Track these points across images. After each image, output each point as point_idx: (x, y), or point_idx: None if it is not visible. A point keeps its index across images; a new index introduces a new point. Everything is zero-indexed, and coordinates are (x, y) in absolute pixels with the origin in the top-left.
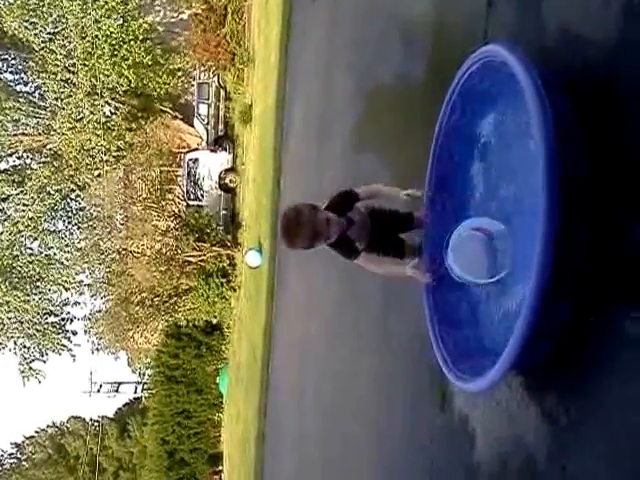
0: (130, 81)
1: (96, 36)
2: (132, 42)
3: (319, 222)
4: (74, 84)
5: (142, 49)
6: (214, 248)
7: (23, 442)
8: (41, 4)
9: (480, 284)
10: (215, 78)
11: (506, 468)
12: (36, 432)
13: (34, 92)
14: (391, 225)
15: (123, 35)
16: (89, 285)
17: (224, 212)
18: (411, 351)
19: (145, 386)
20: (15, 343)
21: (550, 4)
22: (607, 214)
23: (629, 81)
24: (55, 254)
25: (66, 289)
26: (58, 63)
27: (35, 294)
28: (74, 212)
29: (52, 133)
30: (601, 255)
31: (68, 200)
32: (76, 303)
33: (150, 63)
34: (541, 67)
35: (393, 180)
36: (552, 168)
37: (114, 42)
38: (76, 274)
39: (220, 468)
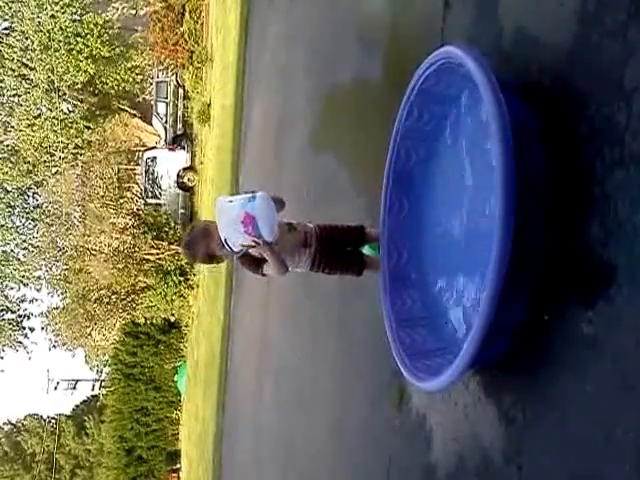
0: (88, 73)
1: (52, 29)
2: (88, 36)
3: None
4: (32, 80)
5: (98, 42)
6: (172, 246)
7: None
8: None
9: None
10: (173, 77)
11: (463, 468)
12: None
13: None
14: (341, 242)
15: (78, 29)
16: (47, 282)
17: (182, 211)
18: (369, 348)
19: (103, 383)
20: None
21: (507, 6)
22: (563, 215)
23: (584, 84)
24: (12, 250)
25: (24, 285)
26: (15, 57)
27: None
28: (32, 209)
29: (10, 129)
30: (556, 256)
31: (26, 197)
32: (33, 300)
33: (107, 56)
34: (498, 69)
35: (351, 180)
36: (509, 168)
37: (69, 35)
38: (33, 270)
39: (178, 466)
